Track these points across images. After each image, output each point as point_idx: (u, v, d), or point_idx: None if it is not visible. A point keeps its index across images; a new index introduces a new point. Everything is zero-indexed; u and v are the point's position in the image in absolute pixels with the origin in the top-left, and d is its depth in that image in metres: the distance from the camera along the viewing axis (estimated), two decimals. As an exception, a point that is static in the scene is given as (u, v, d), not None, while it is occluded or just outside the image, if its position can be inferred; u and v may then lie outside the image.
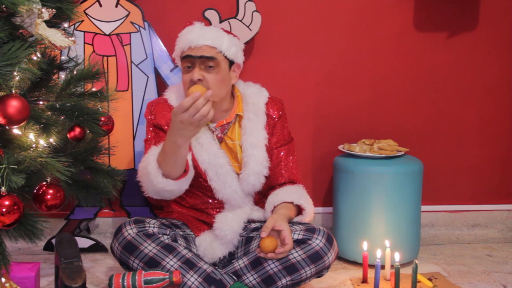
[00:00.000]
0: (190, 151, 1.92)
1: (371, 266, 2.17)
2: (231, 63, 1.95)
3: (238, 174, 1.97)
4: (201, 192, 2.02)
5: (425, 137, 2.67)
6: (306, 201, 1.95)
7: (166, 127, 1.97)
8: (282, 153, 2.03)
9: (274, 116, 2.04)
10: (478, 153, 2.71)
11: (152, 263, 1.81)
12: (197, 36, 1.90)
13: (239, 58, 1.99)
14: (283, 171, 2.02)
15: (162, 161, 1.82)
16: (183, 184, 1.88)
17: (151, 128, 2.02)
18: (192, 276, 1.80)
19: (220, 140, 1.99)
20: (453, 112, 2.67)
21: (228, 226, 1.93)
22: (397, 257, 2.02)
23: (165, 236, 1.87)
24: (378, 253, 2.07)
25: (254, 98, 2.04)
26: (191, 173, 1.89)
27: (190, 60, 1.90)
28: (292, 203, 1.93)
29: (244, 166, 1.96)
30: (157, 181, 1.83)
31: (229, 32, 2.00)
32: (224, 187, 1.94)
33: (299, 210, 1.96)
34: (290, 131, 2.10)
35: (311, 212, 1.97)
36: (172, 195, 1.92)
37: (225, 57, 1.93)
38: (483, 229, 2.74)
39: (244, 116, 2.00)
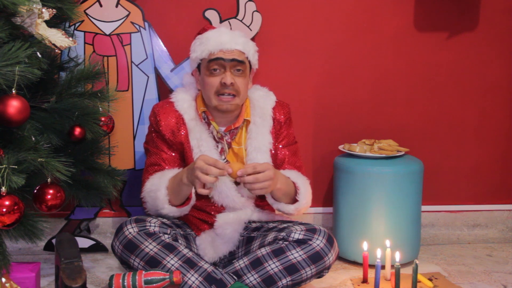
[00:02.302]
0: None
1: (372, 266, 2.17)
2: (250, 68, 2.00)
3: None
4: (202, 196, 2.01)
5: (425, 137, 2.67)
6: (303, 185, 1.92)
7: (168, 135, 1.97)
8: (286, 153, 2.04)
9: (280, 121, 2.04)
10: (478, 153, 2.71)
11: (152, 262, 1.81)
12: (229, 39, 1.92)
13: (257, 64, 2.03)
14: (287, 168, 2.02)
15: (173, 192, 1.86)
16: (185, 211, 1.93)
17: (153, 134, 2.01)
18: (192, 275, 1.80)
19: (229, 146, 1.98)
20: (453, 112, 2.67)
21: (229, 224, 1.93)
22: (398, 257, 2.02)
23: (166, 235, 1.87)
24: (379, 253, 2.07)
25: (262, 102, 2.05)
26: (193, 200, 1.92)
27: (220, 63, 1.90)
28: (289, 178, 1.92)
29: None
30: (163, 207, 1.88)
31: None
32: (221, 196, 1.95)
33: (294, 200, 1.93)
34: (295, 135, 2.10)
35: (306, 197, 1.92)
36: (173, 217, 1.96)
37: (249, 62, 1.97)
38: (483, 229, 2.74)
39: (250, 120, 2.01)
